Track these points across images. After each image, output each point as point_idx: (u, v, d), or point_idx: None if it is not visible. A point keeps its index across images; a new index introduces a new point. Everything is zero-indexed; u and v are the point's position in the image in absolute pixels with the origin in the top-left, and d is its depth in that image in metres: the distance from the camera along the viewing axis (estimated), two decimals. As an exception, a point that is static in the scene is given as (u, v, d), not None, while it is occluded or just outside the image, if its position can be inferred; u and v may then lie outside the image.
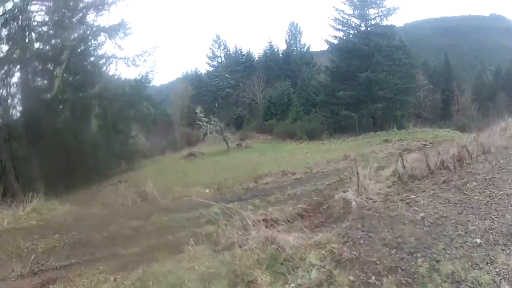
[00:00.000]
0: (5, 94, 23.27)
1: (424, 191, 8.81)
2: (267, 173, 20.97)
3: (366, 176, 10.37)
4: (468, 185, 9.01)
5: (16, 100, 24.10)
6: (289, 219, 9.68)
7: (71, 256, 9.64)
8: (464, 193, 8.56)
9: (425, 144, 27.53)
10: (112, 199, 15.23)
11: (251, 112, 73.47)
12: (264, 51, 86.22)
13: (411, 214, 7.70)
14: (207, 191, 16.70)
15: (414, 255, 6.25)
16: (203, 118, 49.12)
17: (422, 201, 8.34)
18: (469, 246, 6.35)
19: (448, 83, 69.04)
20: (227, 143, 46.83)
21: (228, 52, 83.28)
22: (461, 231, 6.86)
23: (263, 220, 9.44)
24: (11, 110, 24.53)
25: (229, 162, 33.03)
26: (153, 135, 55.43)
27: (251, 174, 20.53)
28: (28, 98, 22.96)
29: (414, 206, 8.14)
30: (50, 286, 7.90)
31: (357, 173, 9.54)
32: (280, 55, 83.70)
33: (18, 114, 24.58)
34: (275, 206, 12.25)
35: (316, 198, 11.22)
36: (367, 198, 8.68)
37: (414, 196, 8.66)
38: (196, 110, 50.89)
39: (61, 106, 20.99)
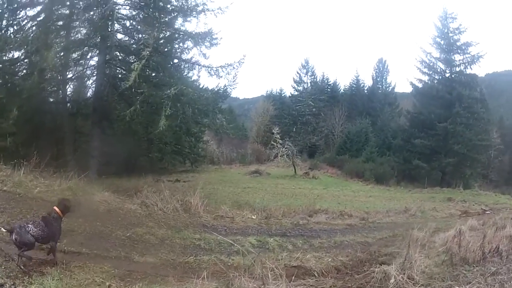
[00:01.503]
0: (80, 73, 24.39)
1: (470, 283, 7.72)
2: (324, 209, 20.16)
3: (419, 241, 9.71)
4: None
5: (90, 81, 24.95)
6: (323, 272, 9.01)
7: (84, 245, 9.35)
8: (505, 293, 7.73)
9: (485, 210, 26.56)
10: (153, 201, 14.68)
11: (326, 143, 73.94)
12: (350, 84, 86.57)
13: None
14: (254, 217, 15.87)
15: None
16: (278, 139, 49.47)
17: (462, 295, 7.47)
18: None
19: (520, 145, 66.45)
20: (295, 169, 46.74)
21: (315, 79, 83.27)
22: None
23: (295, 266, 9.25)
24: (83, 89, 25.82)
25: (291, 189, 32.82)
26: (225, 144, 57.63)
27: (308, 207, 19.72)
28: (102, 82, 23.43)
29: (453, 301, 7.24)
30: (46, 267, 7.51)
31: (408, 246, 8.66)
32: (365, 91, 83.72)
33: (89, 94, 25.38)
34: (316, 252, 11.59)
35: (360, 254, 10.79)
36: (409, 278, 7.73)
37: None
38: (273, 131, 51.63)
39: (134, 99, 20.84)
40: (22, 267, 7.17)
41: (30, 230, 7.41)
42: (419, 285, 7.49)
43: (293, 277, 7.71)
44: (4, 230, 7.47)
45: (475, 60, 47.75)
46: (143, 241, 10.61)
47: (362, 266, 9.26)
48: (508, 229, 11.30)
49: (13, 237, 7.31)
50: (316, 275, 8.74)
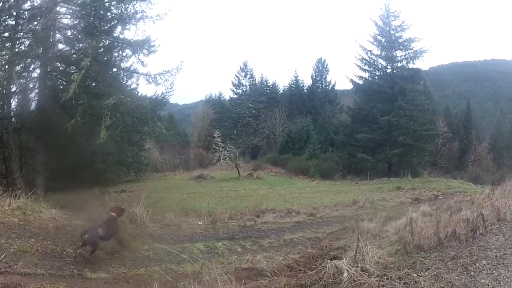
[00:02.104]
0: (23, 86, 23.70)
1: (428, 269, 7.79)
2: (271, 208, 20.25)
3: (370, 232, 9.90)
4: (477, 264, 8.15)
5: (33, 94, 24.63)
6: (276, 271, 9.07)
7: (39, 265, 9.25)
8: (471, 275, 7.69)
9: (437, 196, 27.28)
10: (99, 215, 14.51)
11: (268, 144, 74.50)
12: (289, 85, 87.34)
13: (406, 300, 6.85)
14: (200, 223, 15.91)
15: None
16: (219, 143, 49.19)
17: (423, 282, 7.32)
18: None
19: (468, 131, 68.98)
20: (238, 171, 46.73)
21: (254, 82, 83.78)
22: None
23: (246, 269, 9.31)
24: (26, 103, 25.20)
25: (236, 191, 32.80)
26: (167, 151, 57.65)
27: (254, 208, 20.02)
28: (44, 95, 23.06)
29: (412, 289, 7.28)
30: None
31: (358, 239, 8.64)
32: (305, 91, 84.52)
33: (33, 107, 24.98)
34: (266, 252, 11.66)
35: (311, 250, 10.72)
36: (363, 270, 7.67)
37: (415, 275, 7.64)
38: (214, 134, 50.94)
39: (75, 110, 20.62)
40: (77, 259, 9.93)
41: (99, 232, 10.28)
42: (374, 276, 7.46)
43: (245, 280, 7.79)
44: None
45: (418, 55, 48.50)
46: (93, 256, 10.39)
47: (314, 262, 9.30)
48: (464, 212, 11.36)
49: (85, 237, 10.06)
50: (268, 275, 8.80)
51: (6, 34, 21.63)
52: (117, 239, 10.84)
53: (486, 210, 11.35)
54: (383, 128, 46.97)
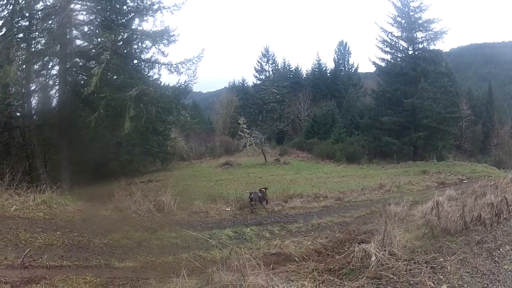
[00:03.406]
0: (43, 84, 23.99)
1: (455, 254, 7.71)
2: (298, 193, 20.30)
3: (397, 216, 9.81)
4: (501, 249, 8.06)
5: (53, 91, 24.78)
6: (304, 256, 9.05)
7: (65, 258, 9.23)
8: (495, 261, 7.59)
9: (462, 180, 27.08)
10: (126, 205, 14.55)
11: (294, 129, 74.59)
12: (312, 69, 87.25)
13: (433, 285, 6.69)
14: (228, 209, 15.93)
15: None
16: (245, 130, 49.24)
17: (449, 267, 7.23)
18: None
19: (490, 114, 68.54)
20: (265, 157, 47.00)
21: (277, 67, 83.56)
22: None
23: (274, 254, 9.39)
24: (48, 100, 25.39)
25: (263, 176, 32.97)
26: (193, 139, 58.03)
27: (282, 193, 20.20)
28: (64, 91, 23.28)
29: (439, 273, 7.06)
30: (32, 285, 7.52)
31: (385, 222, 8.44)
32: (328, 74, 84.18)
33: (54, 104, 25.02)
34: (294, 237, 11.69)
35: (339, 234, 10.79)
36: (390, 254, 7.58)
37: (442, 260, 7.55)
38: (239, 121, 50.91)
39: (97, 104, 20.71)
40: (252, 210, 15.77)
41: (258, 194, 16.42)
42: (402, 260, 7.37)
43: (273, 265, 7.68)
44: (248, 193, 16.59)
45: (438, 37, 47.81)
46: (121, 246, 10.49)
47: (342, 247, 9.20)
48: (488, 196, 11.27)
49: (251, 196, 16.00)
50: (296, 260, 8.78)
51: (21, 35, 21.79)
52: (266, 199, 16.95)
53: (510, 194, 11.23)
54: (408, 110, 46.62)
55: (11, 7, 21.29)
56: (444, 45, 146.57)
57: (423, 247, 8.18)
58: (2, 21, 21.59)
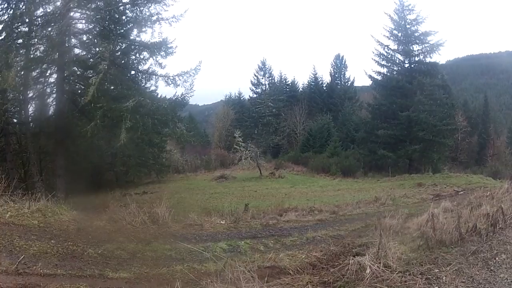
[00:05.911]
0: (41, 91, 24.40)
1: (450, 264, 7.80)
2: (293, 207, 20.30)
3: (392, 229, 10.00)
4: (497, 258, 8.15)
5: (50, 99, 25.00)
6: (298, 269, 8.91)
7: (59, 266, 9.13)
8: (491, 270, 7.65)
9: (457, 191, 27.02)
10: (121, 216, 14.56)
11: (289, 142, 75.20)
12: (309, 82, 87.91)
13: (427, 295, 6.81)
14: (222, 222, 15.77)
15: None
16: (241, 143, 49.90)
17: (444, 277, 7.28)
18: None
19: (486, 125, 68.73)
20: (260, 171, 47.10)
21: (273, 80, 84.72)
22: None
23: (269, 267, 9.30)
24: (45, 108, 25.55)
25: (258, 190, 33.17)
26: (188, 152, 58.54)
27: (277, 207, 20.05)
28: (62, 99, 23.45)
29: (434, 284, 7.11)
30: None
31: (380, 235, 8.54)
32: (324, 88, 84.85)
33: (51, 112, 25.33)
34: (289, 250, 11.60)
35: (334, 247, 10.70)
36: (385, 266, 7.64)
37: (437, 271, 7.62)
38: (235, 134, 51.92)
39: (94, 113, 20.78)
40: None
41: None
42: (397, 272, 7.38)
43: (267, 277, 7.69)
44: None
45: (434, 49, 48.00)
46: (115, 257, 10.39)
47: (336, 259, 9.16)
48: (484, 207, 11.32)
49: None
50: (291, 273, 8.67)
51: (20, 41, 21.90)
52: None
53: (506, 204, 11.38)
54: (403, 123, 46.70)
55: (11, 12, 21.54)
56: (440, 58, 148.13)
57: (418, 258, 8.23)
58: (2, 26, 21.76)
